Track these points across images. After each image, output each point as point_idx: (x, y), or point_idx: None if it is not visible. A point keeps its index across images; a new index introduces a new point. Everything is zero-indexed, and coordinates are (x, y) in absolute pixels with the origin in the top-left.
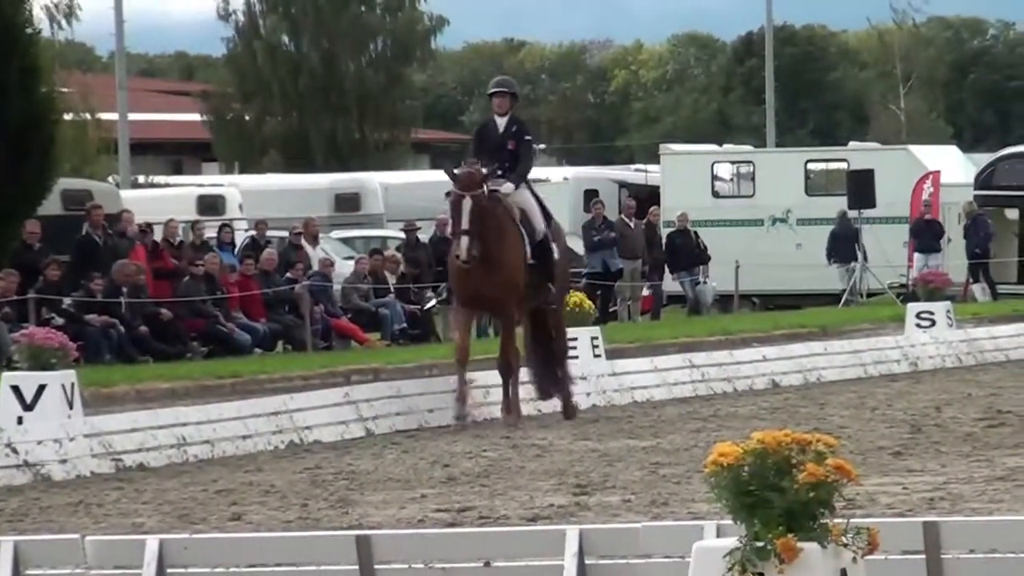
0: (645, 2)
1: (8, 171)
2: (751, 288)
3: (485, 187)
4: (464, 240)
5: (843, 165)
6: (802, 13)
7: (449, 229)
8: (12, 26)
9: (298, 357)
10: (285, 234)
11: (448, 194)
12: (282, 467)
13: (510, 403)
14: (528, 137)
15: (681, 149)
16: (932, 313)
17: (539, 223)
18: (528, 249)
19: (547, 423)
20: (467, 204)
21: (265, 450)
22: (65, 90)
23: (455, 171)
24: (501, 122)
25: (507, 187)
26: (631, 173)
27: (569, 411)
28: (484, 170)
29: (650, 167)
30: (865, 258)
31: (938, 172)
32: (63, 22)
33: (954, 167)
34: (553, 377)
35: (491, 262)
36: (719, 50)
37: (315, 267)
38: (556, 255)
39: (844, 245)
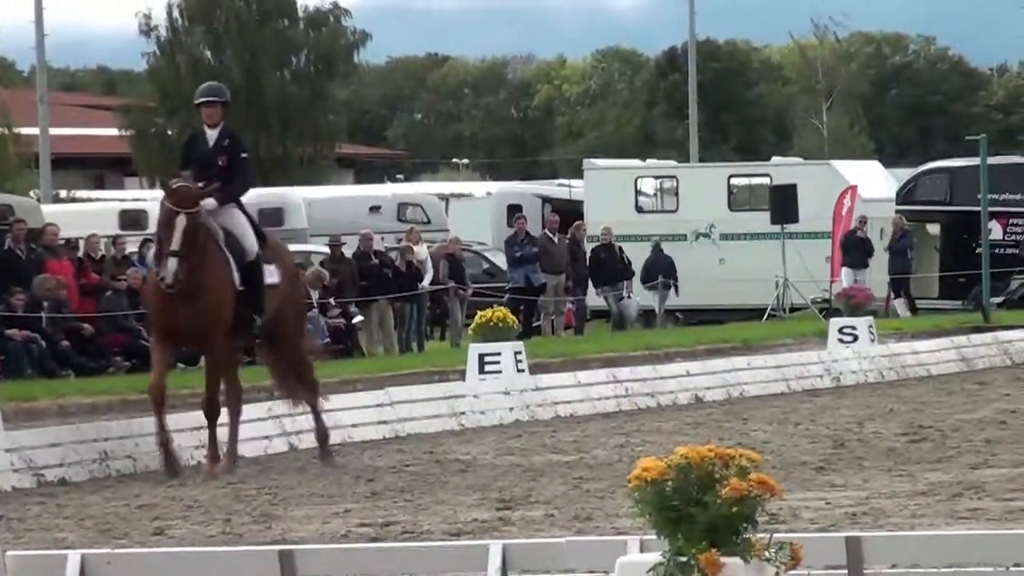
0: (568, 17)
1: None
2: (675, 303)
3: (201, 205)
4: (172, 262)
5: (766, 180)
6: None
7: (152, 250)
8: None
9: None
10: None
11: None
12: (205, 481)
13: (214, 450)
14: (244, 154)
15: (605, 164)
16: (854, 328)
17: (250, 244)
18: (236, 275)
19: (470, 438)
20: (181, 222)
21: (188, 465)
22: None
23: (171, 184)
24: (212, 134)
25: (208, 203)
26: (554, 188)
27: (324, 453)
28: (200, 186)
29: (573, 182)
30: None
31: (856, 187)
32: None
33: (876, 182)
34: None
35: (193, 291)
36: (642, 65)
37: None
38: (275, 279)
39: (657, 271)
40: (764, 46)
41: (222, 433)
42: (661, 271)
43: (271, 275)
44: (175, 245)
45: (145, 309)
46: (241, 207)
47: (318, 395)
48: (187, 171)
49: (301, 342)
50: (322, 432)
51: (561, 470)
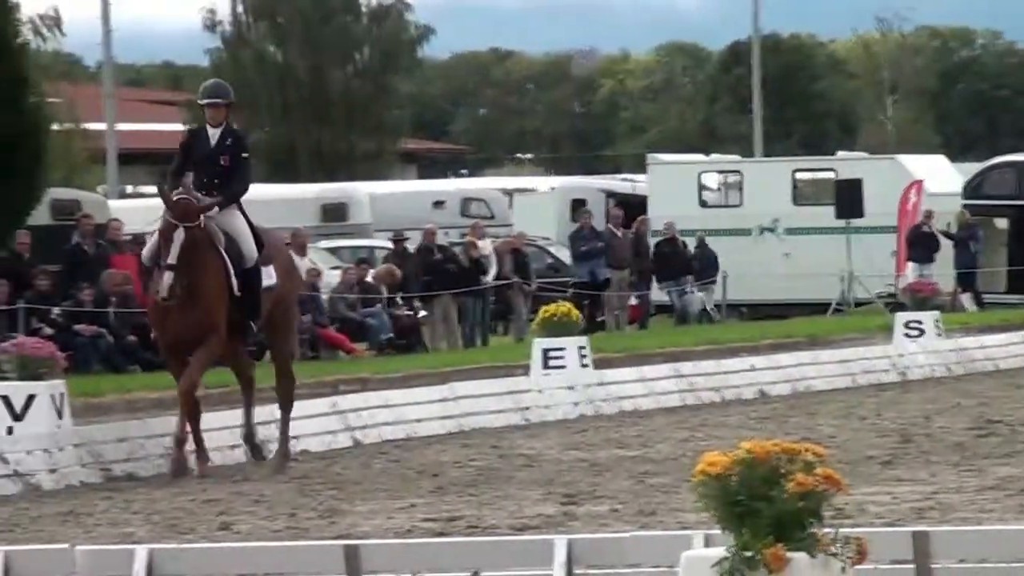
0: (631, 12)
1: None
2: (739, 298)
3: (202, 219)
4: (168, 276)
5: (831, 175)
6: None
7: (147, 254)
8: (1, 38)
9: None
10: None
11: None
12: (270, 477)
13: (202, 447)
14: (245, 154)
15: (668, 159)
16: (921, 323)
17: (249, 249)
18: (234, 281)
19: (534, 433)
20: (179, 236)
21: (253, 460)
22: (53, 101)
23: (173, 197)
24: (214, 133)
25: (209, 204)
26: (618, 183)
27: (278, 463)
28: (203, 200)
29: (637, 176)
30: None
31: (922, 181)
32: (49, 33)
33: (942, 176)
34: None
35: (188, 298)
36: (706, 59)
37: (303, 277)
38: (272, 281)
39: (701, 266)
40: (829, 40)
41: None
42: (706, 266)
43: (268, 277)
44: (172, 259)
45: (148, 321)
46: (241, 209)
47: (290, 402)
48: (186, 171)
49: (285, 344)
50: (284, 447)
51: (626, 465)
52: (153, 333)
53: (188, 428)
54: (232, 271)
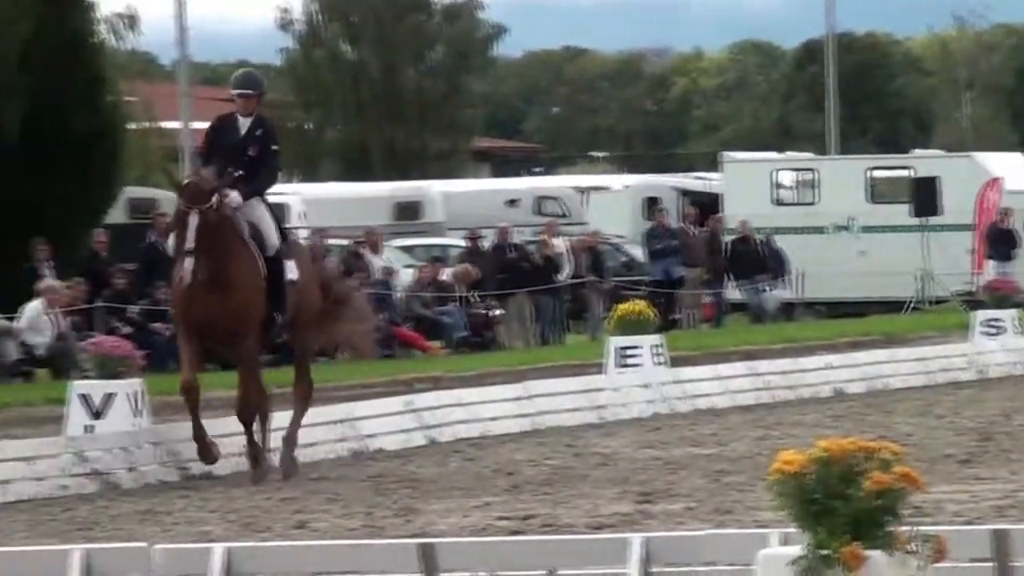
0: (704, 10)
1: (75, 181)
2: (815, 296)
3: (215, 199)
4: (188, 261)
5: (907, 172)
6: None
7: (171, 244)
8: (77, 36)
9: (361, 365)
10: (346, 242)
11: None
12: (346, 475)
13: (256, 453)
14: (275, 146)
15: (742, 157)
16: (1000, 320)
17: (272, 237)
18: (264, 268)
19: (610, 431)
20: (193, 220)
21: (328, 458)
22: (129, 99)
23: (183, 181)
24: (244, 122)
25: (233, 198)
26: (692, 181)
27: (285, 456)
28: (215, 179)
29: (711, 175)
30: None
31: (999, 179)
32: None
33: (1019, 174)
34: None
35: (223, 285)
36: (780, 57)
37: (377, 275)
38: (295, 276)
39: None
40: (905, 38)
41: (260, 435)
42: (774, 264)
43: (291, 271)
44: (189, 243)
45: (172, 310)
46: (265, 202)
47: (305, 403)
48: (211, 159)
49: (305, 343)
50: (291, 436)
51: (701, 463)
52: (174, 313)
53: (202, 424)
54: (261, 260)
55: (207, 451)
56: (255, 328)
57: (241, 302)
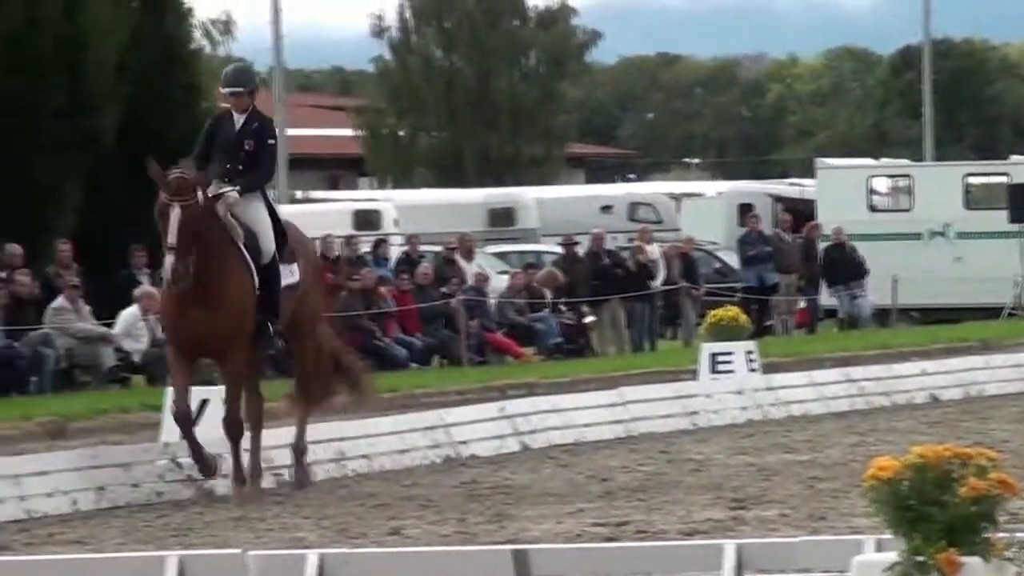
0: (799, 16)
1: None
2: (909, 302)
3: (199, 194)
4: (170, 258)
5: (1004, 179)
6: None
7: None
8: (174, 43)
9: (454, 372)
10: (439, 249)
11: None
12: (439, 481)
13: (240, 473)
14: (272, 140)
15: (837, 163)
16: None
17: (268, 244)
18: (255, 278)
19: (703, 437)
20: (175, 215)
21: (422, 464)
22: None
23: (165, 174)
24: (239, 118)
25: (232, 196)
26: (786, 187)
27: (298, 469)
28: (204, 173)
29: (805, 181)
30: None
31: None
32: (221, 38)
33: None
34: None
35: (210, 300)
36: (875, 63)
37: (470, 282)
38: (294, 279)
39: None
40: (1002, 44)
41: (248, 453)
42: (851, 271)
43: (291, 275)
44: (171, 239)
45: (160, 323)
46: (265, 197)
47: (308, 409)
48: (208, 159)
49: (306, 350)
50: (300, 444)
51: (795, 469)
52: (163, 330)
53: (197, 440)
54: (254, 268)
55: (206, 466)
56: (243, 343)
57: (227, 319)
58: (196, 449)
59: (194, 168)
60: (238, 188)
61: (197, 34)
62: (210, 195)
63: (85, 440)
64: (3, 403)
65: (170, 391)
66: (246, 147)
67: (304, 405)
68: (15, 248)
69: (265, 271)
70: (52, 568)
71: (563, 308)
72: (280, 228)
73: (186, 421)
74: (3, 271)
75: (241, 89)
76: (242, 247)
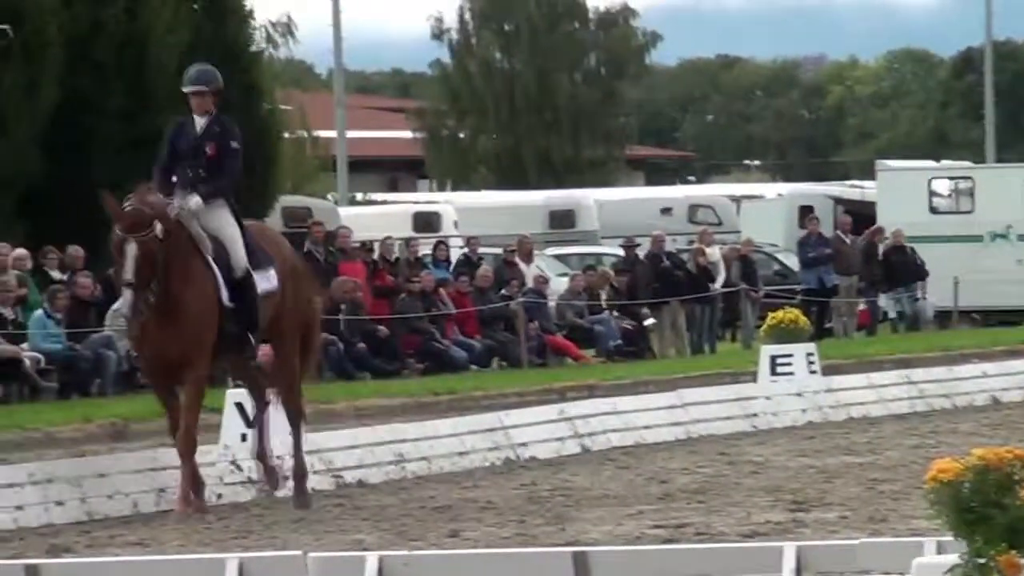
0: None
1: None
2: (970, 304)
3: (157, 227)
4: (127, 294)
5: None
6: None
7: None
8: (235, 45)
9: (513, 374)
10: (499, 251)
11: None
12: (498, 483)
13: (187, 490)
14: (234, 144)
15: (898, 165)
16: None
17: (238, 256)
18: (224, 291)
19: (762, 440)
20: (131, 250)
21: (481, 466)
22: (285, 108)
23: (121, 207)
24: (201, 122)
25: (194, 202)
26: (846, 189)
27: (301, 499)
28: (161, 199)
29: (865, 183)
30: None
31: None
32: (281, 41)
33: None
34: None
35: (170, 313)
36: (936, 65)
37: (530, 284)
38: (271, 285)
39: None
40: None
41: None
42: (911, 273)
43: (267, 280)
44: (129, 275)
45: (128, 344)
46: (230, 204)
47: (302, 422)
48: (170, 165)
49: (293, 355)
50: (300, 468)
51: (855, 471)
52: (133, 352)
53: (194, 480)
54: (221, 280)
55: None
56: (203, 358)
57: (187, 329)
58: (193, 474)
59: (154, 190)
60: (200, 195)
61: (258, 36)
62: (172, 216)
63: (146, 442)
64: (65, 405)
65: (168, 416)
66: (207, 150)
67: (296, 421)
68: (77, 250)
69: (239, 284)
70: (113, 570)
71: (617, 313)
72: (246, 235)
73: (194, 448)
74: (65, 273)
75: (204, 88)
76: (210, 260)
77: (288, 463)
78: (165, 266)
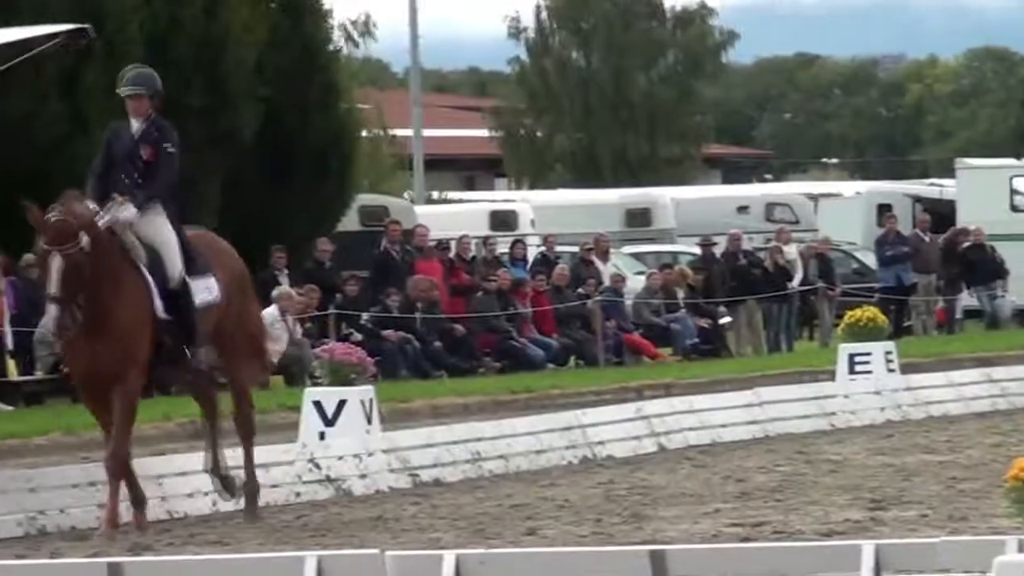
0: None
1: (309, 188)
2: None
3: (84, 238)
4: (52, 309)
5: None
6: None
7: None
8: (312, 44)
9: (590, 372)
10: (575, 249)
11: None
12: (575, 482)
13: (114, 513)
14: (170, 148)
15: (978, 163)
16: None
17: (174, 266)
18: (158, 302)
19: (840, 438)
20: (56, 263)
21: (558, 465)
22: (362, 107)
23: (45, 217)
24: (137, 126)
25: (127, 212)
26: (925, 187)
27: (251, 515)
28: (89, 209)
29: (945, 181)
30: None
31: None
32: (360, 39)
33: None
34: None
35: (100, 327)
36: (1017, 64)
37: (606, 282)
38: (212, 296)
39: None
40: None
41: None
42: (991, 271)
43: (208, 291)
44: (54, 289)
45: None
46: (168, 210)
47: (252, 433)
48: (106, 172)
49: (241, 366)
50: (251, 485)
51: (934, 470)
52: (64, 368)
53: (117, 502)
54: (155, 291)
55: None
56: (134, 373)
57: (117, 341)
58: (133, 490)
59: (82, 198)
60: (135, 203)
61: (336, 35)
62: (102, 226)
63: (224, 441)
64: (145, 404)
65: (104, 435)
66: (143, 155)
67: (246, 436)
68: None
69: (175, 295)
70: (193, 568)
71: (693, 312)
72: (185, 244)
73: (124, 467)
74: None
75: (141, 90)
76: (143, 271)
77: (240, 478)
78: (93, 278)
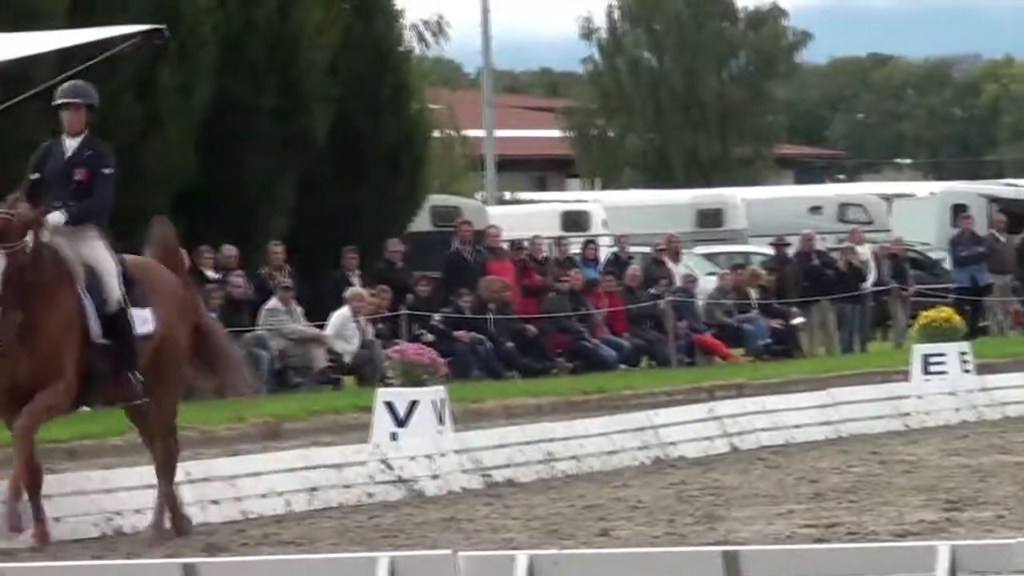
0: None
1: (381, 189)
2: None
3: (30, 237)
4: None
5: None
6: None
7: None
8: (385, 45)
9: (662, 373)
10: (647, 250)
11: None
12: (648, 482)
13: (16, 521)
14: (107, 169)
15: None
16: None
17: (112, 288)
18: (93, 324)
19: (915, 439)
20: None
21: (631, 465)
22: (434, 107)
23: None
24: (71, 144)
25: (55, 217)
26: (1001, 188)
27: (184, 527)
28: (32, 211)
29: (1020, 181)
30: None
31: None
32: (432, 40)
33: None
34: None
35: (28, 338)
36: None
37: (678, 283)
38: (149, 328)
39: None
40: None
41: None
42: None
43: (144, 323)
44: None
45: None
46: (103, 235)
47: (172, 468)
48: (36, 188)
49: (165, 398)
50: (181, 526)
51: (1011, 471)
52: None
53: (25, 483)
54: (90, 312)
55: (16, 523)
56: (50, 393)
57: (42, 360)
58: (36, 506)
59: (25, 202)
60: (66, 214)
61: (408, 36)
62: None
63: (298, 441)
64: (218, 405)
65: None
66: (76, 176)
67: (163, 466)
68: (230, 250)
69: (113, 319)
70: (267, 568)
71: (765, 313)
72: (124, 271)
73: (35, 484)
74: (218, 272)
75: (78, 101)
76: (81, 290)
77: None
78: (28, 287)
